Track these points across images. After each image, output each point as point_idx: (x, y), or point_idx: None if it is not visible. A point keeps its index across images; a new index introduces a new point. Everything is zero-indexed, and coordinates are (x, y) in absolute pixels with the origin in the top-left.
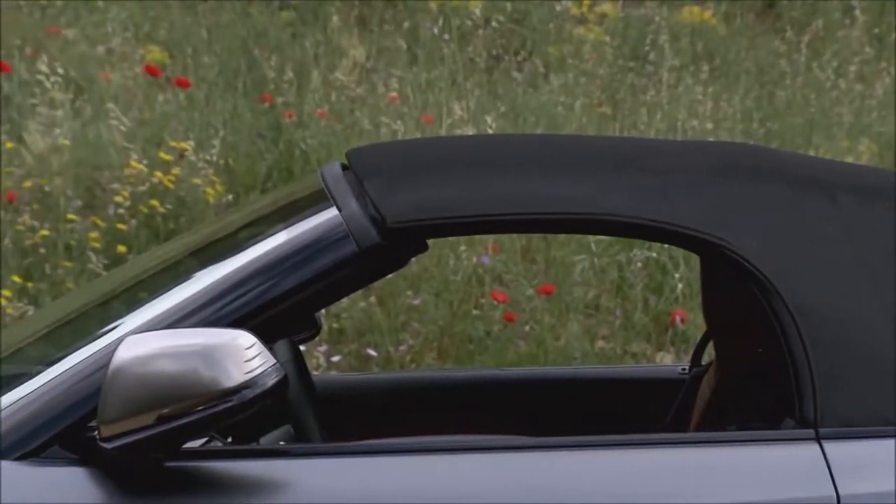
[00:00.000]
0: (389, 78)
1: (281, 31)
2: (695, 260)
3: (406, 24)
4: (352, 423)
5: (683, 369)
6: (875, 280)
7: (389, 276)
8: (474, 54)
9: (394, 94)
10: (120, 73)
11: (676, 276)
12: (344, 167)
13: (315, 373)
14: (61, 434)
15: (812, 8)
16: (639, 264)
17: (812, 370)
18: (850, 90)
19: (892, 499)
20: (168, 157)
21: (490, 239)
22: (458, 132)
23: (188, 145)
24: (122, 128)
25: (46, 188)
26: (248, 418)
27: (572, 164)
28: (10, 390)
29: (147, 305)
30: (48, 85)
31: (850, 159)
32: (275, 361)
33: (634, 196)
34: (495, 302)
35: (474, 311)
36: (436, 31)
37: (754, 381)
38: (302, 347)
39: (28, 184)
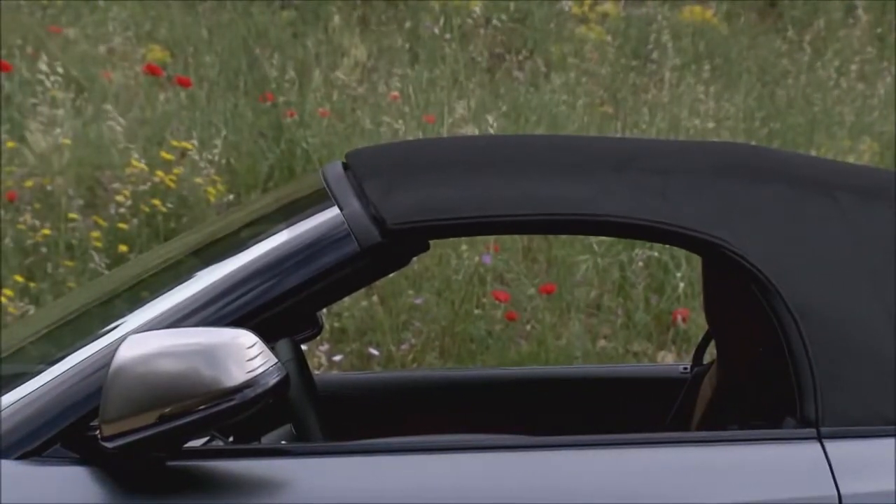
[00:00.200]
0: (391, 77)
1: (282, 31)
2: (696, 259)
3: (407, 24)
4: (353, 422)
5: (685, 368)
6: (875, 280)
7: (391, 275)
8: (476, 53)
9: (395, 93)
10: (121, 73)
11: (678, 275)
12: (345, 166)
13: (316, 372)
14: (63, 433)
15: (813, 7)
16: (640, 263)
17: (813, 370)
18: (852, 89)
19: (894, 498)
20: (169, 157)
21: (491, 238)
22: (459, 131)
23: (190, 144)
24: (118, 128)
25: (48, 187)
26: (249, 417)
27: (572, 164)
28: (11, 389)
29: (148, 305)
30: (49, 84)
31: (851, 158)
32: (276, 361)
33: (635, 196)
34: (497, 301)
35: (476, 311)
36: (437, 30)
37: (755, 380)
38: (303, 347)
39: (29, 183)
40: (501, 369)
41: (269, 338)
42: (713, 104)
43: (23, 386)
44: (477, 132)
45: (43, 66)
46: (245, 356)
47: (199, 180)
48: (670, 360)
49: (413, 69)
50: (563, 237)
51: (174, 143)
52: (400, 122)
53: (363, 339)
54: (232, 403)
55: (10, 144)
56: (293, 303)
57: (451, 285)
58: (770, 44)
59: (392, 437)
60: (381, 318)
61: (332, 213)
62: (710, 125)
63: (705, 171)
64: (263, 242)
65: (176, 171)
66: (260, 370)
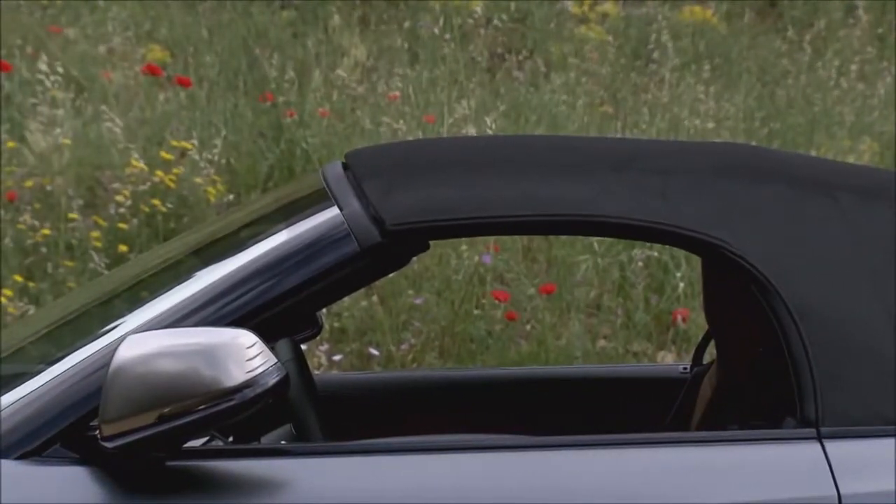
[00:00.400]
0: (391, 77)
1: (282, 31)
2: (696, 259)
3: (407, 24)
4: (353, 422)
5: (685, 368)
6: (875, 280)
7: (391, 275)
8: (476, 53)
9: (395, 93)
10: (121, 73)
11: (678, 275)
12: (345, 166)
13: (316, 372)
14: (62, 433)
15: (813, 7)
16: (640, 263)
17: (813, 370)
18: (852, 89)
19: (893, 498)
20: (169, 157)
21: (491, 238)
22: (459, 131)
23: (189, 144)
24: (118, 128)
25: (48, 187)
26: (248, 417)
27: (572, 165)
28: (11, 389)
29: (148, 304)
30: (49, 84)
31: (851, 158)
32: (276, 360)
33: (634, 197)
34: (497, 301)
35: (476, 311)
36: (437, 30)
37: (755, 380)
38: (303, 346)
39: (29, 183)
40: (501, 369)
41: (268, 338)
42: (713, 104)
43: (23, 386)
44: (477, 132)
45: (43, 66)
46: (245, 356)
47: (198, 180)
48: (670, 360)
49: (413, 69)
50: (563, 237)
51: (174, 143)
52: (400, 122)
53: (363, 339)
54: (232, 403)
55: (10, 144)
56: (293, 303)
57: (450, 285)
58: (770, 44)
59: (392, 437)
60: (380, 318)
61: (332, 213)
62: (710, 125)
63: (705, 172)
64: (263, 242)
65: (176, 171)
66: (260, 370)
